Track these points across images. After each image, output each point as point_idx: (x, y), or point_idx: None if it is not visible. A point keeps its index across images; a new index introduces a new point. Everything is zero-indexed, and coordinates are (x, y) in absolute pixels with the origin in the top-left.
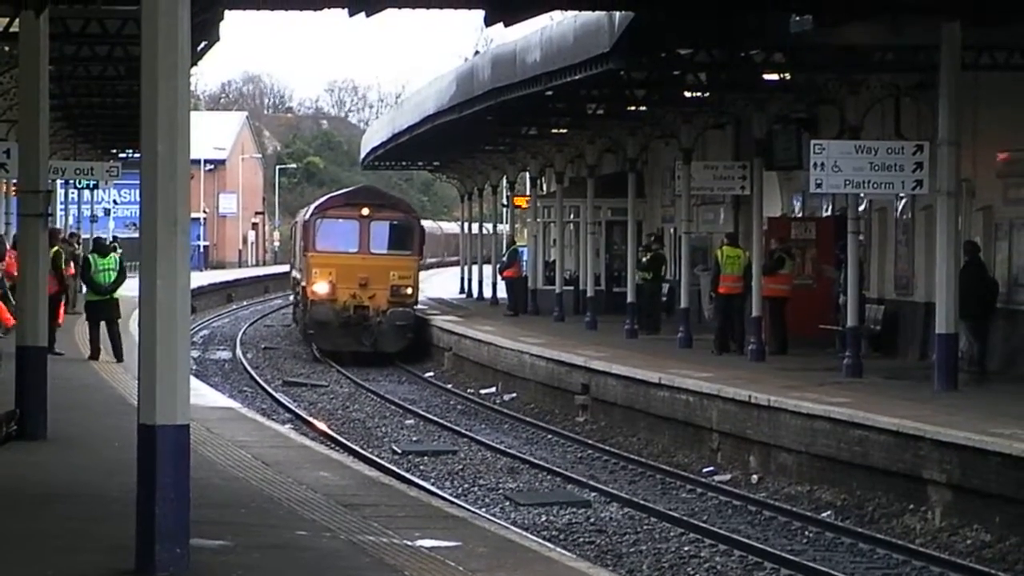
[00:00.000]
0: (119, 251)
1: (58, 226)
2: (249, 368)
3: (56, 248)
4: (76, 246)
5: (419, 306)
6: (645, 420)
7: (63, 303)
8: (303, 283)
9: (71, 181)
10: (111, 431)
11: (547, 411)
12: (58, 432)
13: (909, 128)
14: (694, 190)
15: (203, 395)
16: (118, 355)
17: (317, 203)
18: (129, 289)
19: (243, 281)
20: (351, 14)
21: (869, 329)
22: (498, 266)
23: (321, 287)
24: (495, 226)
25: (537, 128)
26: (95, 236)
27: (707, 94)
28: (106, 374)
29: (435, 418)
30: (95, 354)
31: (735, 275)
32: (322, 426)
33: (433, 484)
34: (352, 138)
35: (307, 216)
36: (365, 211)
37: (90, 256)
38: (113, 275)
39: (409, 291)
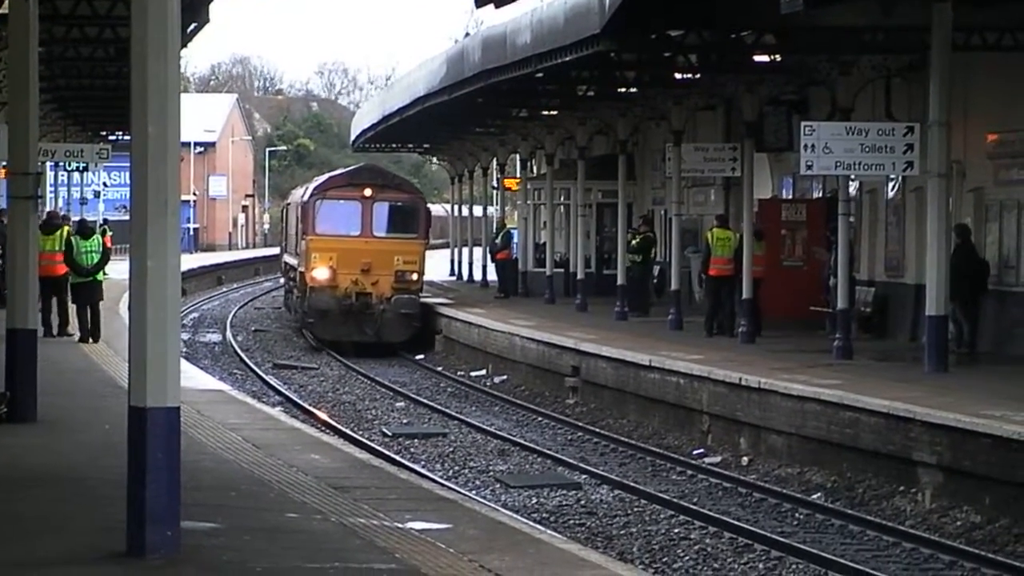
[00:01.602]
0: (109, 233)
1: (49, 208)
2: (239, 351)
3: (67, 228)
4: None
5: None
6: (635, 402)
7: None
8: (301, 268)
9: (61, 163)
10: (101, 414)
11: (537, 393)
12: (48, 415)
13: (900, 109)
14: (685, 172)
15: (193, 378)
16: (95, 336)
17: (317, 183)
18: (119, 272)
19: (233, 264)
20: None
21: (859, 311)
22: (489, 248)
23: (321, 273)
24: (485, 208)
25: (527, 110)
26: (80, 218)
27: (698, 76)
28: (96, 356)
29: (425, 400)
30: (84, 336)
31: (725, 257)
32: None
33: (423, 467)
34: (342, 120)
35: (306, 197)
36: (368, 192)
37: (73, 238)
38: (95, 257)
39: (415, 277)
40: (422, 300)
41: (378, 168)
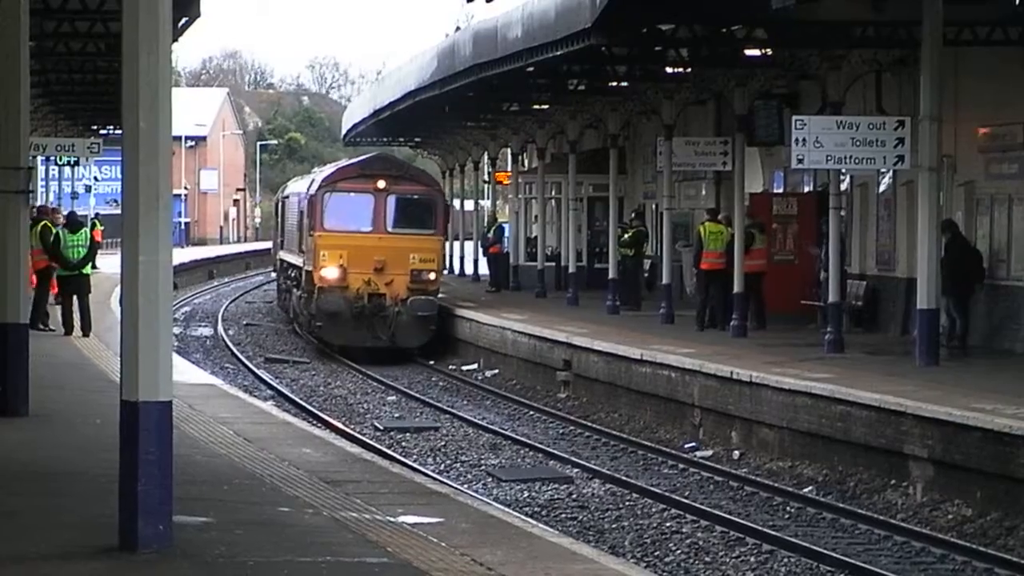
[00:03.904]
0: (100, 227)
1: (40, 203)
2: (231, 345)
3: (44, 222)
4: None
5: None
6: (627, 396)
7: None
8: (307, 267)
9: (52, 158)
10: (93, 408)
11: (529, 387)
12: (40, 409)
13: (891, 104)
14: (676, 166)
15: (185, 372)
16: (85, 329)
17: (325, 174)
18: (110, 266)
19: (224, 258)
20: None
21: (851, 305)
22: (481, 242)
23: (330, 272)
24: (476, 202)
25: (519, 104)
26: (69, 211)
27: (689, 70)
28: (88, 351)
29: (417, 395)
30: (68, 329)
31: (718, 251)
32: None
33: (415, 461)
34: (333, 114)
35: (313, 189)
36: (381, 183)
37: (60, 231)
38: (82, 251)
39: (432, 276)
40: (440, 303)
41: (392, 157)
